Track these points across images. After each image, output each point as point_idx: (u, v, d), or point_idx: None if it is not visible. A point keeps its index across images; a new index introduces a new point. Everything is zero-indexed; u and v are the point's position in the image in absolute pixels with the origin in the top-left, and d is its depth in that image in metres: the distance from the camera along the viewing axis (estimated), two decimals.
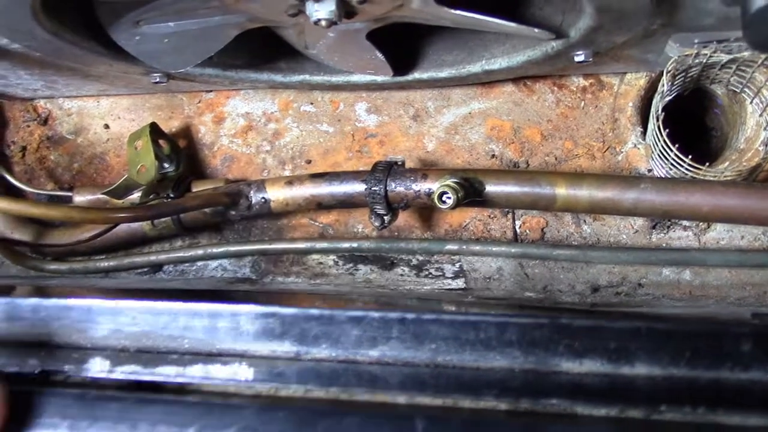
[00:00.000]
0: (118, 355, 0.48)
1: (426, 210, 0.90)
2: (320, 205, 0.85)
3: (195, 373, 0.49)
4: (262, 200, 0.86)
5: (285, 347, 0.50)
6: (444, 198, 0.76)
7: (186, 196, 0.87)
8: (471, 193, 0.77)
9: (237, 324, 0.50)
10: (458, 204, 0.75)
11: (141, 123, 0.98)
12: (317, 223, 0.94)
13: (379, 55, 0.77)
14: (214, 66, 0.82)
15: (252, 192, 0.86)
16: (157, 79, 0.80)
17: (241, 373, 0.49)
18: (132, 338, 0.50)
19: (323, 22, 0.65)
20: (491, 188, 0.78)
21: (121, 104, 0.99)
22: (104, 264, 0.93)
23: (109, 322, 0.49)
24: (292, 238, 0.91)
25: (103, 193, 0.85)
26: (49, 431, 0.40)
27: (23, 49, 0.70)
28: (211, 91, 0.97)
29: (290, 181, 0.85)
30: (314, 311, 0.51)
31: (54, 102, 1.01)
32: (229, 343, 0.50)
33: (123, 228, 0.92)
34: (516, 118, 0.90)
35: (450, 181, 0.77)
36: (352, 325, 0.49)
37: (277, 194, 0.85)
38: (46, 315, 0.44)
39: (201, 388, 0.53)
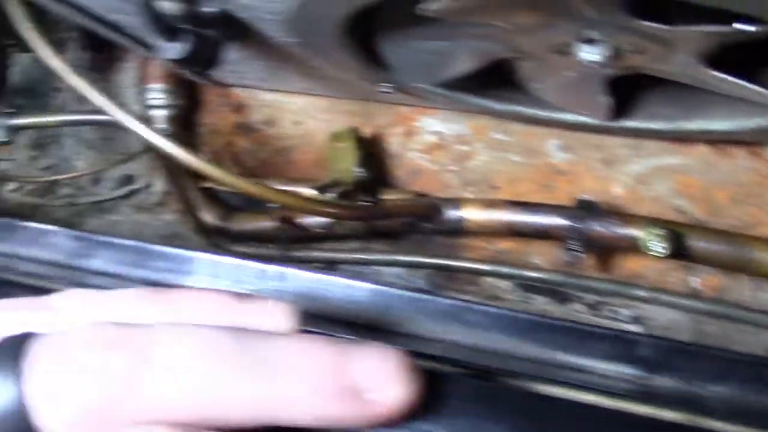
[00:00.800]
0: None
1: (603, 251, 0.93)
2: (514, 232, 0.88)
3: None
4: (457, 218, 0.89)
5: None
6: (651, 246, 0.79)
7: (390, 203, 0.90)
8: (675, 245, 0.80)
9: None
10: (666, 255, 0.78)
11: (332, 125, 1.02)
12: (492, 247, 0.96)
13: (608, 100, 0.80)
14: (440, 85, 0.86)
15: (448, 209, 0.90)
16: (385, 89, 0.84)
17: None
18: None
19: (592, 65, 0.68)
20: (696, 244, 0.80)
21: (315, 104, 1.03)
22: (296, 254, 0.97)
23: None
24: (475, 258, 0.94)
25: (313, 188, 0.89)
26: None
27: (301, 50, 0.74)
28: (406, 105, 1.00)
29: (487, 204, 0.89)
30: None
31: (250, 92, 1.05)
32: None
33: (307, 222, 0.96)
34: (706, 178, 0.93)
35: (659, 230, 0.80)
36: None
37: (472, 214, 0.89)
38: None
39: None
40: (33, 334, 0.36)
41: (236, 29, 0.71)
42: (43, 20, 0.71)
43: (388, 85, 0.83)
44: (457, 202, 0.89)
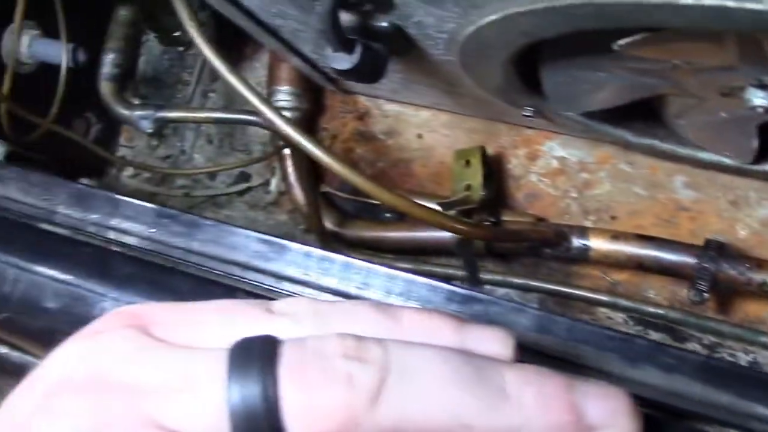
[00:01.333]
0: None
1: (726, 293, 0.92)
2: (639, 266, 0.88)
3: None
4: (583, 246, 0.89)
5: None
6: None
7: (517, 226, 0.91)
8: None
9: None
10: None
11: (454, 140, 1.02)
12: (608, 278, 0.96)
13: (756, 144, 0.80)
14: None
15: (575, 236, 0.89)
16: (527, 114, 0.84)
17: None
18: None
19: (759, 110, 0.67)
20: None
21: (438, 118, 1.04)
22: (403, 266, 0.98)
23: None
24: (592, 287, 0.94)
25: (438, 203, 0.89)
26: None
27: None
28: (531, 128, 1.01)
29: (615, 236, 0.88)
30: None
31: (375, 101, 1.07)
32: None
33: (427, 236, 0.97)
34: None
35: None
36: None
37: (599, 245, 0.88)
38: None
39: None
40: (277, 339, 0.36)
41: (402, 44, 0.72)
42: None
43: (531, 109, 0.84)
44: (584, 231, 0.89)
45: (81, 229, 0.57)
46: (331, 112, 1.08)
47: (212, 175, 1.12)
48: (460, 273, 0.96)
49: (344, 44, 0.67)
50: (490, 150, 1.02)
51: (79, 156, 1.05)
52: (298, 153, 0.86)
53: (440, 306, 0.51)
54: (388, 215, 1.03)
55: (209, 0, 0.77)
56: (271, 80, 1.03)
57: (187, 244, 0.55)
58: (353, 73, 0.69)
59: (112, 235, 0.54)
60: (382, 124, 1.06)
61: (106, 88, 0.84)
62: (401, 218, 1.02)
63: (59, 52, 0.92)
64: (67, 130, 0.95)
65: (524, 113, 0.85)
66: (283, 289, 0.54)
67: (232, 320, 0.41)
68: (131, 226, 0.54)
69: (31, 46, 0.93)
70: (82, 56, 0.92)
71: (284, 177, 1.03)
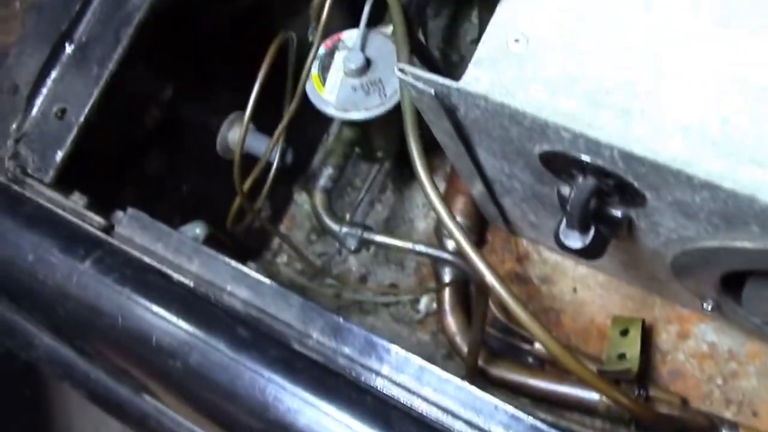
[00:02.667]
0: None
1: None
2: None
3: None
4: None
5: None
6: None
7: (671, 407, 0.93)
8: None
9: None
10: None
11: (608, 302, 1.06)
12: None
13: None
14: None
15: (724, 429, 0.91)
16: (708, 307, 0.87)
17: None
18: None
19: None
20: None
21: (597, 278, 1.08)
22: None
23: None
24: None
25: (598, 369, 0.92)
26: None
27: None
28: (686, 307, 1.04)
29: None
30: None
31: (536, 246, 1.11)
32: None
33: (573, 393, 0.99)
34: None
35: None
36: None
37: None
38: None
39: None
40: None
41: (626, 232, 0.76)
42: None
43: (714, 303, 0.87)
44: (735, 426, 0.91)
45: (333, 360, 0.61)
46: (492, 247, 1.12)
47: (362, 279, 1.17)
48: None
49: (582, 226, 0.71)
50: (641, 317, 1.05)
51: (246, 238, 1.11)
52: (482, 293, 0.90)
53: None
54: (531, 360, 1.06)
55: (440, 136, 0.82)
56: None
57: None
58: (580, 252, 0.73)
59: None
60: (539, 269, 1.10)
61: (319, 199, 0.89)
62: (542, 366, 1.06)
63: (267, 149, 0.98)
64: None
65: (704, 305, 0.88)
66: None
67: None
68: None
69: (246, 139, 0.99)
70: (290, 157, 0.98)
71: (439, 302, 1.07)
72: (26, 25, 0.77)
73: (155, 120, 0.87)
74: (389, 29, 0.99)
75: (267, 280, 0.65)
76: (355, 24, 0.92)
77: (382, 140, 0.98)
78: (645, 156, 0.56)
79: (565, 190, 0.74)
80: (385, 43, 0.91)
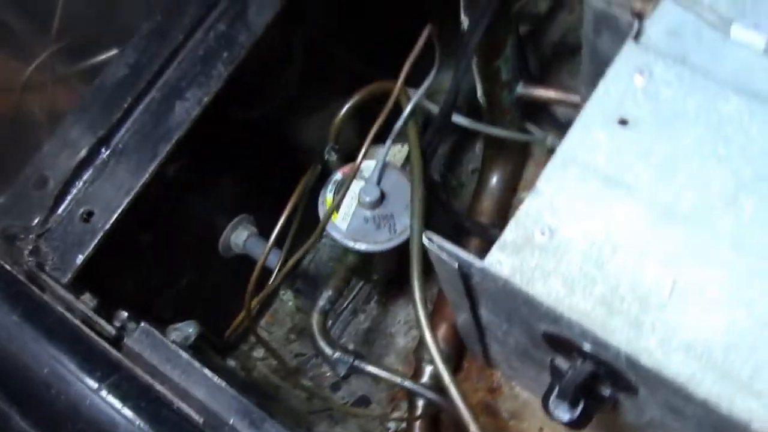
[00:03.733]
0: None
1: None
2: None
3: None
4: None
5: None
6: None
7: None
8: None
9: None
10: None
11: None
12: None
13: None
14: None
15: None
16: None
17: None
18: None
19: None
20: None
21: None
22: None
23: None
24: None
25: None
26: None
27: None
28: None
29: None
30: None
31: (509, 381, 1.14)
32: None
33: None
34: None
35: None
36: None
37: None
38: None
39: None
40: None
41: (610, 407, 0.80)
42: None
43: None
44: None
45: None
46: (467, 374, 1.16)
47: (335, 387, 1.18)
48: None
49: (573, 400, 0.75)
50: None
51: None
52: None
53: None
54: None
55: (446, 287, 0.85)
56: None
57: None
58: (566, 423, 0.77)
59: None
60: (510, 403, 1.13)
61: (316, 320, 0.91)
62: None
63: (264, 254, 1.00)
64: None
65: None
66: None
67: None
68: None
69: (246, 241, 1.02)
70: (273, 263, 0.99)
71: (409, 425, 1.09)
72: (64, 122, 0.79)
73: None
74: (403, 151, 1.03)
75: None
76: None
77: (382, 268, 1.01)
78: (650, 367, 0.60)
79: (560, 362, 0.77)
80: (400, 179, 0.95)
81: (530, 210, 0.68)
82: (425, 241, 0.68)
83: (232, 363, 1.10)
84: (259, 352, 1.22)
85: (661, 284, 0.63)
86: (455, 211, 1.10)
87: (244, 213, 1.03)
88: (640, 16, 0.71)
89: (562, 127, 1.13)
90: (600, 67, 0.73)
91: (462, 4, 0.89)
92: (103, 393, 0.63)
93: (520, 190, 1.20)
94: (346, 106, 1.01)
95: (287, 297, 1.23)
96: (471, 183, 1.23)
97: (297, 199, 0.87)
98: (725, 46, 0.69)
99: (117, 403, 0.62)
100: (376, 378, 0.91)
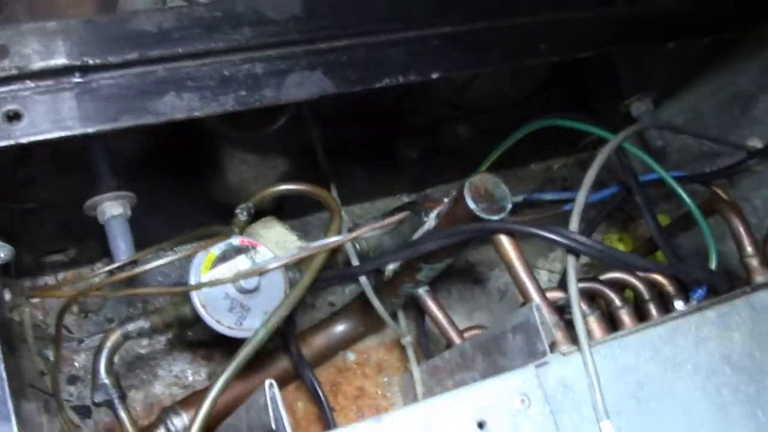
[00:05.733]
0: None
1: None
2: None
3: None
4: None
5: None
6: None
7: None
8: None
9: None
10: None
11: None
12: None
13: None
14: None
15: None
16: None
17: None
18: None
19: None
20: None
21: None
22: None
23: None
24: None
25: None
26: None
27: None
28: None
29: None
30: None
31: None
32: None
33: None
34: None
35: None
36: None
37: None
38: None
39: None
40: None
41: None
42: None
43: None
44: None
45: None
46: None
47: (73, 380, 1.13)
48: None
49: None
50: None
51: None
52: None
53: None
54: None
55: None
56: None
57: None
58: None
59: None
60: None
61: (114, 339, 0.89)
62: None
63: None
64: None
65: None
66: None
67: None
68: None
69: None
70: None
71: None
72: None
73: None
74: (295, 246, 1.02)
75: None
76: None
77: (199, 336, 1.00)
78: None
79: None
80: (280, 284, 0.95)
81: None
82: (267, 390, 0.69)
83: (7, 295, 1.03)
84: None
85: None
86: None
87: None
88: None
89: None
90: None
91: None
92: None
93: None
94: (289, 187, 1.02)
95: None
96: (321, 311, 1.25)
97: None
98: None
99: None
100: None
